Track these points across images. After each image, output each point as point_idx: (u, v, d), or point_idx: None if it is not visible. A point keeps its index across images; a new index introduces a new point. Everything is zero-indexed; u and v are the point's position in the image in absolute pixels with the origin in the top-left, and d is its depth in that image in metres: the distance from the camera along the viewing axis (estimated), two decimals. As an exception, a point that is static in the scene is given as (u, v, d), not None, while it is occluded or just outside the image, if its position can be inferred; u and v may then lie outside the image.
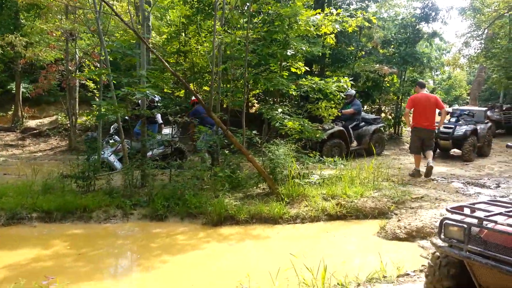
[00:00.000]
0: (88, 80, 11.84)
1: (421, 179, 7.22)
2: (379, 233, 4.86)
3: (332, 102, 7.45)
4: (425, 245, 4.44)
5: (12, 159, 9.54)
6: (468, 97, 30.50)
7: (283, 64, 7.42)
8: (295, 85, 7.40)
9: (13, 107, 12.95)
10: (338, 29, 7.28)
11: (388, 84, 13.53)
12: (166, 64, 5.15)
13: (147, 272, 3.64)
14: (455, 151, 10.49)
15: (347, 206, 5.53)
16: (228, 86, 8.32)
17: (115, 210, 5.29)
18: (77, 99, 11.15)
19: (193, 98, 8.24)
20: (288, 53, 6.66)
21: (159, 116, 9.01)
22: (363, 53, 14.03)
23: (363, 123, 10.03)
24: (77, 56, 10.45)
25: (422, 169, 7.41)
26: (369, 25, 11.38)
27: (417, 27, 12.66)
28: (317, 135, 6.76)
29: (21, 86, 12.65)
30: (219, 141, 6.52)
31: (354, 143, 9.74)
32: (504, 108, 13.70)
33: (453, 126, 9.57)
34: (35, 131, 11.90)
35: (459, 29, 25.38)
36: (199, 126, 6.50)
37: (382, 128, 10.76)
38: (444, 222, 2.42)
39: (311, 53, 9.79)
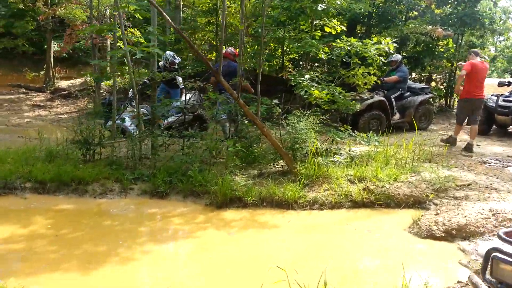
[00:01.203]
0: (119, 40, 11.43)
1: (471, 161, 6.18)
2: (411, 228, 4.03)
3: (371, 68, 6.42)
4: (467, 249, 3.59)
5: (36, 120, 9.39)
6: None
7: (315, 22, 6.45)
8: (329, 48, 6.46)
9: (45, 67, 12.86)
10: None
11: (442, 49, 12.03)
12: (168, 19, 4.40)
13: (120, 265, 3.10)
14: (515, 129, 9.16)
15: (377, 191, 4.71)
16: (257, 48, 7.49)
17: (113, 184, 4.81)
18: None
19: (225, 51, 7.44)
20: (319, 8, 5.69)
21: (180, 80, 8.41)
22: (416, 13, 12.50)
23: (408, 93, 8.89)
24: (106, 12, 9.94)
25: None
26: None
27: (481, -18, 10.95)
28: (349, 107, 5.85)
29: (52, 45, 12.43)
30: (236, 110, 5.80)
31: (397, 116, 8.68)
32: None
33: (514, 99, 8.23)
34: (64, 92, 11.74)
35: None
36: (210, 92, 5.79)
37: (430, 99, 9.55)
38: (492, 255, 1.61)
39: (353, 11, 8.71)
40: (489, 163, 6.08)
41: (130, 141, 5.43)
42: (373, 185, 4.83)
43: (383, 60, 6.08)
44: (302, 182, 4.80)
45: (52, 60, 12.57)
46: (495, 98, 8.41)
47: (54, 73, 12.61)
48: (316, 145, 4.99)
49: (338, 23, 6.33)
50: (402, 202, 4.66)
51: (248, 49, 8.10)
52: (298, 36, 6.20)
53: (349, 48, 6.02)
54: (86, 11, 9.84)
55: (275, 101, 5.66)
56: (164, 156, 5.50)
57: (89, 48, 11.22)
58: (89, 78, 11.08)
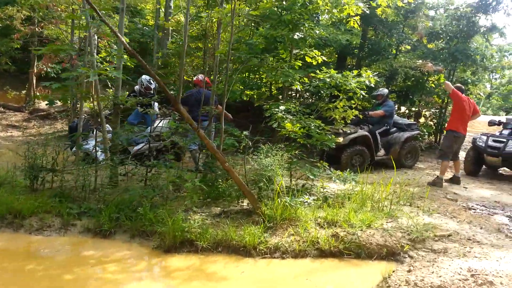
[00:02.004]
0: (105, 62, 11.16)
1: (455, 205, 5.73)
2: (379, 287, 3.54)
3: (353, 101, 6.06)
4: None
5: (6, 141, 8.93)
6: (530, 105, 27.42)
7: (294, 51, 6.12)
8: (308, 78, 6.12)
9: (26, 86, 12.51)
10: (364, 10, 5.88)
11: (432, 85, 11.77)
12: (122, 40, 4.02)
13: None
14: (505, 170, 8.74)
15: (347, 239, 4.22)
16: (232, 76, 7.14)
17: (53, 219, 4.32)
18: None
19: (196, 78, 7.10)
20: (296, 37, 5.35)
21: (156, 106, 8.04)
22: (409, 47, 12.32)
23: (394, 128, 8.52)
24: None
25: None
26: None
27: (473, 19, 10.77)
28: (325, 142, 5.43)
29: (35, 65, 12.11)
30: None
31: (381, 152, 8.27)
32: None
33: (505, 139, 7.84)
34: (43, 113, 11.34)
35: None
36: (172, 121, 5.40)
37: (417, 136, 9.17)
38: None
39: (339, 42, 8.45)
40: (474, 209, 5.63)
41: (80, 170, 4.97)
42: (343, 231, 4.35)
43: (363, 94, 5.71)
44: (264, 224, 4.33)
45: (34, 80, 12.22)
46: (484, 138, 8.04)
47: (35, 92, 12.24)
48: (281, 184, 4.53)
49: (319, 53, 6.00)
50: (374, 252, 4.17)
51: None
52: (276, 65, 5.85)
53: (328, 79, 5.68)
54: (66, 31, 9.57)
55: (246, 132, 5.24)
56: (124, 188, 5.03)
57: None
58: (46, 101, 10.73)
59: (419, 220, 4.78)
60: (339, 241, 4.20)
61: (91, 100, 5.42)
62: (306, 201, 4.71)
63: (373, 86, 5.90)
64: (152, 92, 7.76)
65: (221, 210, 4.87)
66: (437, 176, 7.07)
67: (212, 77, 7.58)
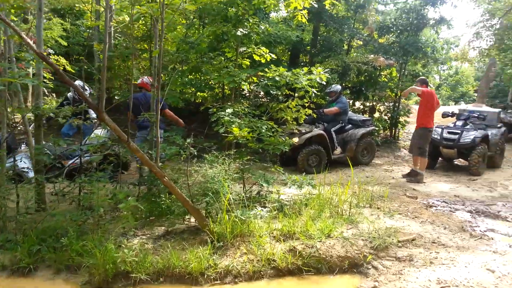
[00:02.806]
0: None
1: (415, 204, 5.49)
2: (343, 309, 3.15)
3: (305, 100, 5.67)
4: None
5: None
6: (475, 94, 28.57)
7: (241, 49, 5.65)
8: (257, 78, 5.68)
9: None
10: (312, 3, 5.52)
11: (385, 79, 11.73)
12: (28, 41, 3.37)
13: None
14: (460, 160, 8.75)
15: (305, 253, 3.82)
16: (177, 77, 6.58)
17: (-41, 257, 3.60)
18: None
19: (140, 81, 6.48)
20: (239, 33, 4.88)
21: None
22: (360, 42, 12.22)
23: (349, 125, 8.28)
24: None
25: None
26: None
27: (422, 11, 10.79)
28: (277, 146, 5.01)
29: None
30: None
31: (338, 150, 8.00)
32: (518, 109, 11.89)
33: (459, 131, 7.80)
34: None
35: (470, 18, 23.40)
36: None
37: (373, 132, 9.00)
38: None
39: (289, 39, 8.09)
40: (435, 206, 5.42)
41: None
42: (301, 244, 3.94)
43: (315, 92, 5.34)
44: (213, 244, 3.83)
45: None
46: (439, 130, 7.97)
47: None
48: (228, 198, 4.04)
49: (267, 50, 5.56)
50: (335, 266, 3.79)
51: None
52: (220, 65, 5.36)
53: (277, 78, 5.26)
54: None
55: (189, 140, 4.71)
56: (49, 212, 4.35)
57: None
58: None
59: (381, 224, 4.47)
60: (297, 256, 3.79)
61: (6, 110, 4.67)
62: (259, 214, 4.24)
63: (325, 83, 5.54)
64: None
65: (165, 230, 4.32)
66: (417, 172, 6.92)
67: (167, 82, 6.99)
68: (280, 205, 4.83)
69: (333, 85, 8.29)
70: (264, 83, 5.26)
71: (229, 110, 5.05)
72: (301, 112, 5.50)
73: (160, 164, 5.37)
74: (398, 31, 11.33)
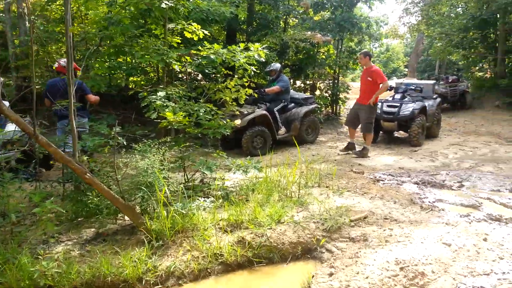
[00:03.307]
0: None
1: (363, 179, 5.38)
2: (300, 302, 2.87)
3: (245, 79, 5.28)
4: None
5: None
6: (406, 69, 29.89)
7: (170, 26, 5.10)
8: (190, 57, 5.18)
9: None
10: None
11: (323, 56, 11.66)
12: None
13: None
14: (400, 133, 8.89)
15: (255, 243, 3.49)
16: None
17: None
18: None
19: (57, 65, 5.69)
20: (163, 5, 4.35)
21: (8, 106, 6.42)
22: (296, 20, 11.98)
23: (292, 104, 8.05)
24: None
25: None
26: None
27: (354, -13, 10.79)
28: (217, 130, 4.60)
29: None
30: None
31: (282, 130, 7.76)
32: (450, 80, 12.35)
33: (398, 104, 7.86)
34: None
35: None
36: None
37: (315, 109, 8.86)
38: None
39: (223, 16, 7.62)
40: (382, 180, 5.33)
41: None
42: (250, 233, 3.61)
43: (254, 69, 4.97)
44: (151, 244, 3.38)
45: None
46: (379, 104, 7.96)
47: None
48: (164, 192, 3.58)
49: (199, 26, 5.07)
50: (288, 253, 3.52)
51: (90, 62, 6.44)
52: (147, 44, 4.80)
53: (212, 56, 4.80)
54: None
55: (117, 128, 4.15)
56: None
57: None
58: None
59: (331, 204, 4.27)
60: (246, 247, 3.46)
61: None
62: (202, 205, 3.83)
63: (264, 60, 5.20)
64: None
65: (95, 233, 3.79)
66: (364, 147, 6.88)
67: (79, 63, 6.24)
68: (225, 193, 4.46)
69: (272, 64, 7.99)
70: (198, 62, 4.80)
71: (161, 94, 4.54)
72: (241, 92, 5.11)
73: (86, 158, 4.77)
74: (333, 8, 11.26)
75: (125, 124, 8.77)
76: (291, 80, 10.75)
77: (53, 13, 11.08)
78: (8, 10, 10.68)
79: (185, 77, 7.24)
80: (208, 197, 4.22)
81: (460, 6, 13.66)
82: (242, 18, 11.05)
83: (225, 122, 4.92)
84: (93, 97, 5.49)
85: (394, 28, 18.65)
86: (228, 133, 4.67)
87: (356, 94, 9.96)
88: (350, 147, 7.15)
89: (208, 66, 4.96)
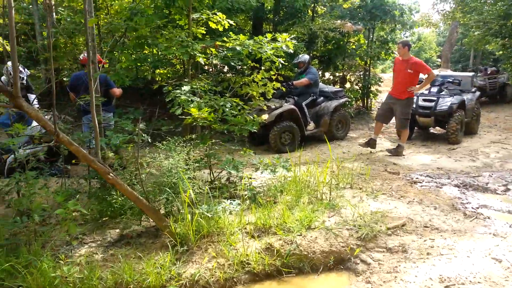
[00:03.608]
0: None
1: (399, 180, 5.06)
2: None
3: (272, 72, 5.02)
4: None
5: None
6: (439, 60, 28.75)
7: (194, 16, 4.88)
8: (216, 49, 4.96)
9: None
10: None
11: (353, 46, 11.20)
12: None
13: None
14: (436, 129, 8.43)
15: (284, 251, 3.28)
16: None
17: None
18: None
19: (82, 57, 5.61)
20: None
21: (33, 99, 6.40)
22: (325, 9, 11.54)
23: (321, 98, 7.73)
24: None
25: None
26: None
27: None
28: (244, 127, 4.38)
29: None
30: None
31: (311, 125, 7.46)
32: (488, 72, 11.66)
33: (435, 98, 7.41)
34: None
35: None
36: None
37: (346, 103, 8.51)
38: None
39: (249, 4, 7.34)
40: (420, 182, 4.99)
41: None
42: (279, 240, 3.40)
43: (282, 62, 4.70)
44: (176, 249, 3.21)
45: None
46: (414, 98, 7.53)
47: None
48: (189, 194, 3.39)
49: (224, 16, 4.83)
50: (319, 263, 3.29)
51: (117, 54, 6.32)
52: (171, 35, 4.60)
53: (238, 48, 4.56)
54: None
55: (142, 125, 3.99)
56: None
57: None
58: None
59: (365, 208, 4.00)
60: (275, 256, 3.25)
61: None
62: (229, 209, 3.63)
63: (292, 51, 4.91)
64: (24, 82, 6.13)
65: (119, 234, 3.66)
66: (399, 144, 6.48)
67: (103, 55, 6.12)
68: (252, 194, 4.24)
69: (300, 55, 7.67)
70: (223, 54, 4.57)
71: (185, 88, 4.34)
72: (268, 86, 4.86)
73: (112, 154, 4.65)
74: (363, -6, 10.75)
75: (152, 118, 8.72)
76: (320, 72, 10.38)
77: (80, 3, 11.05)
78: (36, 2, 10.73)
79: (210, 70, 7.02)
80: (234, 199, 4.03)
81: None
82: (269, 7, 10.73)
83: (251, 117, 4.70)
84: (118, 91, 5.37)
85: (426, 16, 17.81)
86: (255, 130, 4.43)
87: (388, 87, 9.54)
88: (371, 143, 6.65)
89: (234, 58, 4.72)
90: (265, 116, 6.96)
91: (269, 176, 4.80)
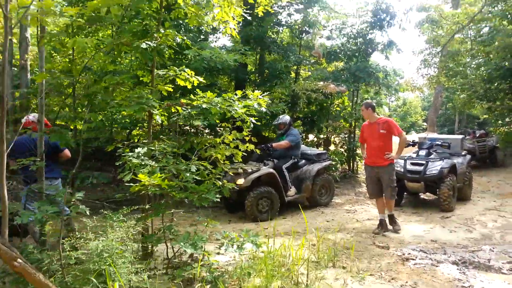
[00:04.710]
0: None
1: (389, 257, 4.36)
2: None
3: (245, 133, 4.50)
4: None
5: None
6: (425, 124, 29.01)
7: (160, 72, 4.42)
8: (181, 107, 4.45)
9: None
10: (244, 15, 4.49)
11: (338, 108, 10.95)
12: None
13: None
14: (427, 194, 7.85)
15: None
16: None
17: None
18: None
19: (25, 120, 4.86)
20: (144, 46, 3.67)
21: None
22: (309, 73, 11.43)
23: (303, 160, 7.18)
24: None
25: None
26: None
27: (369, 36, 10.26)
28: (204, 196, 3.73)
29: None
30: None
31: (292, 190, 6.83)
32: (477, 135, 11.37)
33: (424, 161, 6.90)
34: None
35: (416, 46, 23.73)
36: None
37: (329, 166, 7.97)
38: None
39: (226, 64, 7.03)
40: (413, 259, 4.28)
41: None
42: None
43: (253, 121, 4.19)
44: None
45: None
46: (402, 161, 7.03)
47: None
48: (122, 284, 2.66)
49: (193, 73, 4.38)
50: None
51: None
52: (131, 93, 4.11)
53: (204, 106, 4.06)
54: None
55: (80, 194, 3.33)
56: None
57: None
58: None
59: (350, 296, 3.26)
60: None
61: None
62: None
63: (272, 112, 4.44)
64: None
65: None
66: (393, 220, 5.62)
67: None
68: (213, 278, 3.50)
69: (281, 116, 7.24)
70: (187, 112, 4.05)
71: (140, 150, 3.75)
72: (238, 149, 4.30)
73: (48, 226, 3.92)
74: (347, 57, 10.71)
75: (112, 184, 8.06)
76: (303, 134, 9.97)
77: (57, 64, 10.78)
78: (10, 62, 10.43)
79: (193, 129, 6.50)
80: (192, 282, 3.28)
81: (481, 56, 12.89)
82: (252, 69, 10.58)
83: (221, 183, 4.08)
84: (68, 153, 4.77)
85: (411, 81, 18.01)
86: (218, 200, 3.79)
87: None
88: (383, 224, 5.57)
89: (200, 117, 4.19)
90: (240, 181, 6.37)
91: (237, 253, 4.08)
